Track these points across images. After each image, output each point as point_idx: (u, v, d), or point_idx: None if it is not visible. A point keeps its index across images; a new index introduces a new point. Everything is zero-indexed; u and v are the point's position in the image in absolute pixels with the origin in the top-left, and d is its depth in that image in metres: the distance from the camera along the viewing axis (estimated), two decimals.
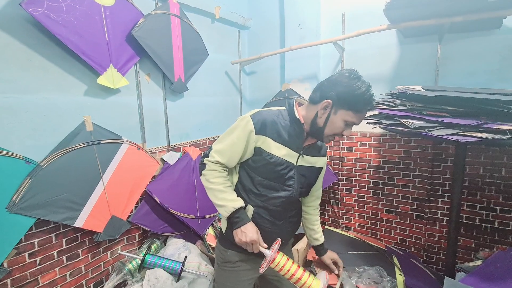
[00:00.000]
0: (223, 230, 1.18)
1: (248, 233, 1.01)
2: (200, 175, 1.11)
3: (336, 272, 1.36)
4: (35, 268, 1.46)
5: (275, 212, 1.11)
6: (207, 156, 1.09)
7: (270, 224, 1.11)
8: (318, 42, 2.23)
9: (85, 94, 1.64)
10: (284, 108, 1.11)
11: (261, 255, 1.07)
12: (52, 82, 1.50)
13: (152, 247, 1.93)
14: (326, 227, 2.55)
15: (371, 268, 1.79)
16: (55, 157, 1.46)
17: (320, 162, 1.18)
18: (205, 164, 1.08)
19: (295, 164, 1.08)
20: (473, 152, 1.97)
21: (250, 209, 1.09)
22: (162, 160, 2.09)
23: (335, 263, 1.42)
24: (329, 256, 1.42)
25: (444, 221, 2.16)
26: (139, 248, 1.95)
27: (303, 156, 1.10)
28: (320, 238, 1.37)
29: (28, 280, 1.44)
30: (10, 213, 1.31)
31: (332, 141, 2.54)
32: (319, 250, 1.41)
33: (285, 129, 1.05)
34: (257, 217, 1.09)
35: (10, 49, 1.34)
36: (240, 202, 1.05)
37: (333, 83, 0.98)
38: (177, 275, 1.70)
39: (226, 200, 1.04)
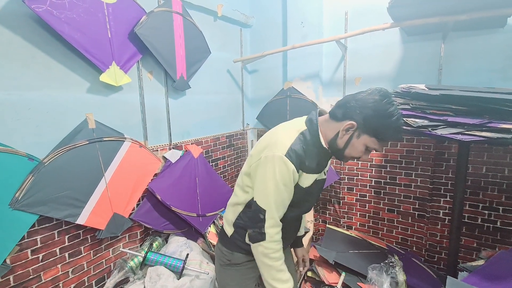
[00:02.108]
0: (228, 234, 1.12)
1: None
2: (253, 242, 0.96)
3: (301, 269, 1.33)
4: (37, 265, 1.47)
5: (289, 223, 1.08)
6: (260, 220, 0.92)
7: (282, 233, 1.06)
8: (321, 40, 2.22)
9: (88, 91, 1.64)
10: (305, 127, 0.98)
11: None
12: (55, 79, 1.50)
13: (154, 244, 1.94)
14: (327, 225, 2.55)
15: (374, 267, 1.79)
16: (58, 154, 1.47)
17: (328, 165, 1.17)
18: (264, 234, 0.92)
19: (315, 179, 1.04)
20: (476, 151, 1.96)
21: None
22: (164, 158, 2.09)
23: (303, 261, 1.38)
24: (302, 252, 1.39)
25: (446, 220, 2.15)
26: (140, 246, 1.96)
27: (324, 173, 1.10)
28: (301, 229, 1.35)
29: (30, 277, 1.44)
30: (13, 210, 1.32)
31: None
32: (296, 241, 1.37)
33: (314, 157, 0.97)
34: None
35: (13, 46, 1.34)
36: (290, 284, 0.97)
37: (362, 104, 0.87)
38: (179, 273, 1.71)
39: (281, 281, 0.96)
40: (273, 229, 0.94)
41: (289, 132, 0.96)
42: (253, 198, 0.99)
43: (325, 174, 1.12)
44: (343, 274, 1.83)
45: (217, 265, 1.21)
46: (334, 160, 2.55)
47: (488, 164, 1.95)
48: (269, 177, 0.90)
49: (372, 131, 0.87)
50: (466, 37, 1.94)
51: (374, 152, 0.98)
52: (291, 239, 1.25)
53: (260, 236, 0.93)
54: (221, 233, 1.19)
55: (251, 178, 1.00)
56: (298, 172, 0.93)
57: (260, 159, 0.94)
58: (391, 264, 1.81)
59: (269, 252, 0.94)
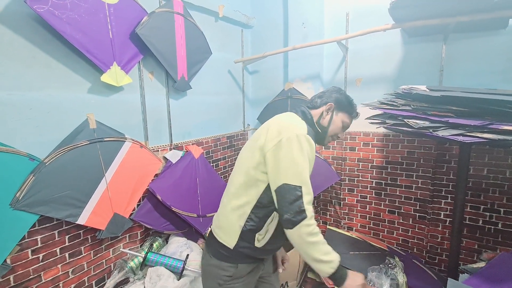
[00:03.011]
0: (231, 246, 1.02)
1: (358, 278, 0.96)
2: (293, 226, 0.90)
3: (280, 270, 1.29)
4: (38, 265, 1.47)
5: None
6: (298, 198, 0.90)
7: (280, 234, 1.05)
8: (322, 41, 2.22)
9: (89, 91, 1.64)
10: (300, 118, 1.10)
11: (267, 256, 1.07)
12: (56, 79, 1.50)
13: (154, 245, 1.94)
14: (328, 227, 2.55)
15: (374, 268, 1.78)
16: (59, 154, 1.47)
17: None
18: (304, 211, 0.90)
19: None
20: (477, 153, 1.96)
21: (271, 227, 1.03)
22: (165, 158, 2.09)
23: (283, 261, 1.33)
24: (282, 252, 1.35)
25: (447, 222, 2.15)
26: (141, 246, 1.96)
27: None
28: None
29: (31, 277, 1.44)
30: (14, 210, 1.32)
31: (335, 141, 2.53)
32: None
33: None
34: (279, 232, 1.04)
35: (15, 46, 1.34)
36: (338, 256, 0.96)
37: (330, 92, 1.16)
38: (179, 273, 1.71)
39: (330, 252, 0.94)
40: (310, 205, 0.93)
41: (295, 118, 1.08)
42: (264, 190, 0.98)
43: None
44: None
45: (215, 286, 1.05)
46: (335, 161, 2.55)
47: (490, 166, 1.94)
48: (297, 154, 0.92)
49: (344, 107, 1.15)
50: (467, 39, 1.94)
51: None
52: (282, 244, 1.18)
53: (300, 216, 0.90)
54: (215, 248, 1.06)
55: (267, 165, 0.96)
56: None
57: (280, 141, 0.94)
58: (391, 265, 1.81)
59: (312, 228, 0.91)
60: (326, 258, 0.92)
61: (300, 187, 0.91)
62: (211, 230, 1.14)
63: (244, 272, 1.06)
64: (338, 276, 0.94)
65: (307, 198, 0.92)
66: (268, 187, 0.98)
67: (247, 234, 1.02)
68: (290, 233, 0.93)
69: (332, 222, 2.69)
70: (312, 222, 0.92)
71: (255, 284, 1.16)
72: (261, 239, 1.03)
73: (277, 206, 0.96)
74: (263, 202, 1.00)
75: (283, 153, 0.93)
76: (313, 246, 0.92)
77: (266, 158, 0.96)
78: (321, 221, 2.73)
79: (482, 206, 2.00)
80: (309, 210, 0.92)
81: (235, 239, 1.02)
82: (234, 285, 1.05)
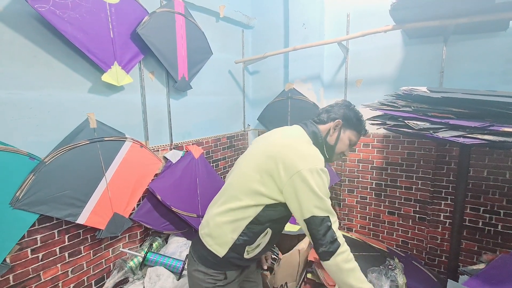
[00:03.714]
0: (220, 255, 1.01)
1: None
2: (330, 258, 0.91)
3: (265, 267, 1.29)
4: (37, 264, 1.47)
5: (280, 230, 1.13)
6: (329, 228, 0.91)
7: (273, 239, 1.09)
8: (322, 42, 2.22)
9: (89, 91, 1.64)
10: (309, 138, 1.08)
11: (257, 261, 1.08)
12: (57, 78, 1.50)
13: (154, 245, 1.94)
14: None
15: (373, 269, 1.78)
16: (59, 153, 1.47)
17: None
18: (337, 240, 0.92)
19: None
20: (477, 154, 1.96)
21: (263, 242, 1.05)
22: (165, 158, 2.09)
23: (266, 258, 1.33)
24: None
25: (447, 223, 2.15)
26: (140, 246, 1.95)
27: None
28: None
29: (30, 276, 1.44)
30: (13, 209, 1.32)
31: None
32: None
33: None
34: (276, 235, 1.09)
35: (15, 45, 1.34)
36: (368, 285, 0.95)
37: (339, 107, 1.13)
38: (178, 274, 1.70)
39: (367, 283, 0.94)
40: (339, 231, 0.95)
41: (308, 144, 1.05)
42: (263, 209, 0.97)
43: None
44: None
45: None
46: (335, 162, 2.55)
47: (489, 168, 1.94)
48: (320, 186, 0.93)
49: (352, 124, 1.11)
50: (468, 40, 1.94)
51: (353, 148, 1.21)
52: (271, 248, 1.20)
53: (334, 246, 0.91)
54: (203, 254, 1.04)
55: (286, 195, 0.95)
56: None
57: (299, 173, 0.91)
58: (391, 267, 1.81)
59: (347, 254, 0.93)
60: (365, 285, 0.93)
61: (328, 217, 0.92)
62: (199, 236, 1.09)
63: (231, 278, 1.06)
64: None
65: (336, 224, 0.94)
66: (267, 207, 0.98)
67: (239, 246, 1.01)
68: (327, 264, 0.94)
69: None
70: (345, 248, 0.94)
71: (240, 284, 1.16)
72: (250, 252, 1.03)
73: (309, 239, 0.97)
74: (260, 220, 0.99)
75: (305, 185, 0.91)
76: (351, 273, 0.93)
77: (284, 190, 0.94)
78: None
79: (482, 208, 2.00)
80: (340, 236, 0.94)
81: (226, 250, 1.01)
82: None
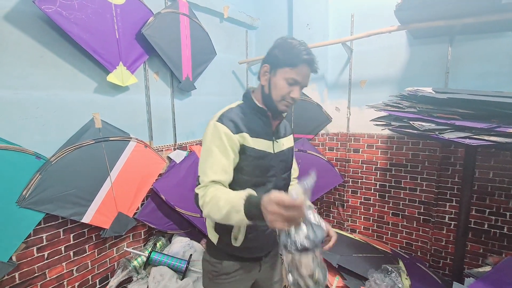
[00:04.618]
0: (215, 242, 1.03)
1: (272, 207, 0.65)
2: (201, 212, 0.89)
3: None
4: (43, 263, 1.48)
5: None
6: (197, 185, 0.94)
7: (254, 239, 1.02)
8: (326, 43, 2.22)
9: (95, 91, 1.66)
10: (241, 101, 1.07)
11: (256, 261, 1.07)
12: (63, 79, 1.51)
13: (158, 244, 1.94)
14: None
15: (377, 271, 1.77)
16: (65, 153, 1.48)
17: (290, 140, 1.15)
18: (197, 195, 0.91)
19: (273, 152, 1.03)
20: (483, 156, 1.94)
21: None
22: (169, 158, 2.10)
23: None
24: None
25: (452, 225, 2.13)
26: (144, 245, 1.96)
27: (277, 142, 1.06)
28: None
29: (36, 274, 1.46)
30: (20, 208, 1.33)
31: (339, 143, 2.53)
32: None
33: (252, 121, 1.01)
34: (256, 231, 1.03)
35: (23, 45, 1.36)
36: (244, 192, 0.79)
37: (270, 50, 1.02)
38: (182, 273, 1.71)
39: (231, 200, 0.79)
40: (206, 187, 0.92)
41: (230, 108, 1.03)
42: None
43: (284, 146, 1.09)
44: (336, 279, 1.81)
45: (206, 281, 1.08)
46: (339, 163, 2.54)
47: (496, 169, 1.92)
48: (204, 144, 0.96)
49: (282, 62, 0.94)
50: (473, 40, 1.93)
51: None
52: (268, 245, 1.09)
53: (196, 200, 0.92)
54: (208, 243, 1.09)
55: None
56: (237, 133, 0.95)
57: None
58: (395, 268, 1.79)
59: (206, 198, 0.86)
60: (234, 200, 0.79)
61: (199, 176, 0.96)
62: None
63: (229, 269, 1.05)
64: (255, 214, 0.73)
65: (202, 170, 0.96)
66: None
67: (223, 234, 1.01)
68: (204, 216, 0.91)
69: (335, 224, 2.67)
70: (202, 193, 0.89)
71: (248, 285, 1.13)
72: (237, 238, 0.98)
73: None
74: None
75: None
76: (216, 207, 0.82)
77: None
78: None
79: (488, 210, 1.98)
80: (202, 179, 0.94)
81: (216, 237, 1.03)
82: (222, 281, 1.05)
